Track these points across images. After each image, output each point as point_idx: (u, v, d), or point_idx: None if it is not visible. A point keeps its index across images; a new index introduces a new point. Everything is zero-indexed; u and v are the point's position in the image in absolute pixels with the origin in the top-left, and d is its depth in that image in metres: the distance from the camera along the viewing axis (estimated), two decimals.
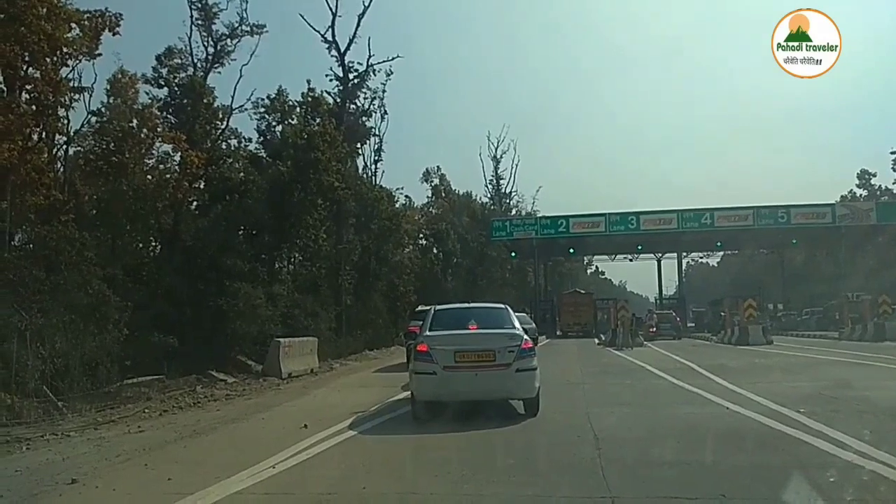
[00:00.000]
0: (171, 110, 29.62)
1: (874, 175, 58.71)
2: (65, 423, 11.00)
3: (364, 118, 37.94)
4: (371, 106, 38.32)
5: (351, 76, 36.37)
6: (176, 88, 29.74)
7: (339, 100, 36.28)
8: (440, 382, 9.54)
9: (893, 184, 55.85)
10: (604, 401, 11.57)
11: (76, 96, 25.95)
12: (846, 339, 27.76)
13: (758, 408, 9.82)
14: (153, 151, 28.47)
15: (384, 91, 39.04)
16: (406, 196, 50.62)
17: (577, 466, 6.63)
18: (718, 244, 49.34)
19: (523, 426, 9.32)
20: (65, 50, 23.08)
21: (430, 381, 9.64)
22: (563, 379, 14.82)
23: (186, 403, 13.42)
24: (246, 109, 32.01)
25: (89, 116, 27.18)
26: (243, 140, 33.04)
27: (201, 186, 29.98)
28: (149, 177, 27.75)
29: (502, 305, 11.65)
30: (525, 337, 10.06)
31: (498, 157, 57.77)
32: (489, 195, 58.72)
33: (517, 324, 10.58)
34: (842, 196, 55.70)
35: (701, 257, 60.56)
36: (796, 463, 6.39)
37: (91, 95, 26.94)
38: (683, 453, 7.11)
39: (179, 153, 27.63)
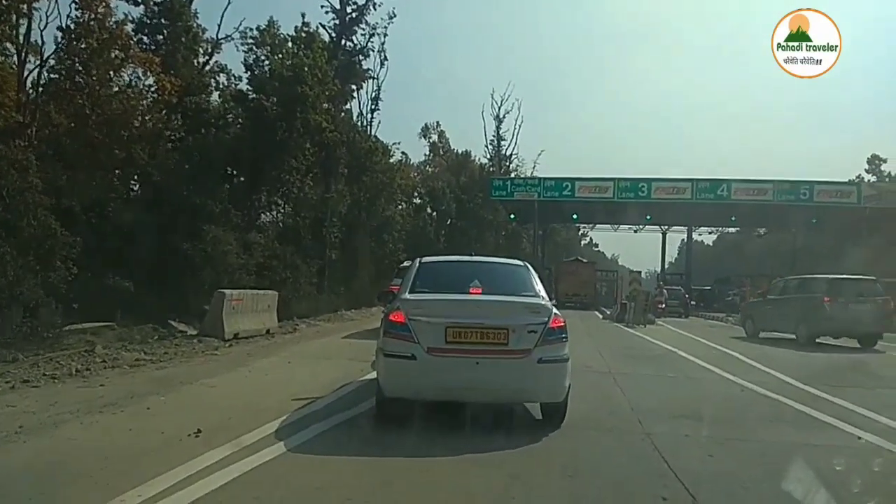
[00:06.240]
0: (146, 31, 26.66)
1: (885, 161, 56.35)
2: None
3: (361, 57, 34.72)
4: (369, 43, 35.04)
5: (349, 9, 33.39)
6: (154, 7, 26.75)
7: (333, 34, 33.22)
8: (421, 371, 6.42)
9: None
10: (656, 407, 8.22)
11: (37, 4, 22.98)
12: None
13: None
14: (122, 75, 25.49)
15: (385, 34, 36.01)
16: (402, 152, 48.02)
17: None
18: (733, 219, 46.09)
19: (550, 454, 5.95)
20: None
21: (405, 367, 6.48)
22: (582, 363, 10.41)
23: (67, 371, 10.09)
24: (233, 39, 28.85)
25: (60, 36, 24.18)
26: (233, 78, 30.00)
27: (178, 122, 27.14)
28: (115, 101, 24.74)
29: (521, 262, 8.25)
30: (554, 311, 6.86)
31: (501, 116, 54.67)
32: (489, 156, 55.95)
33: (542, 291, 7.37)
34: (849, 180, 53.01)
35: (710, 232, 57.60)
36: None
37: (69, 16, 23.90)
38: None
39: (152, 77, 24.73)
